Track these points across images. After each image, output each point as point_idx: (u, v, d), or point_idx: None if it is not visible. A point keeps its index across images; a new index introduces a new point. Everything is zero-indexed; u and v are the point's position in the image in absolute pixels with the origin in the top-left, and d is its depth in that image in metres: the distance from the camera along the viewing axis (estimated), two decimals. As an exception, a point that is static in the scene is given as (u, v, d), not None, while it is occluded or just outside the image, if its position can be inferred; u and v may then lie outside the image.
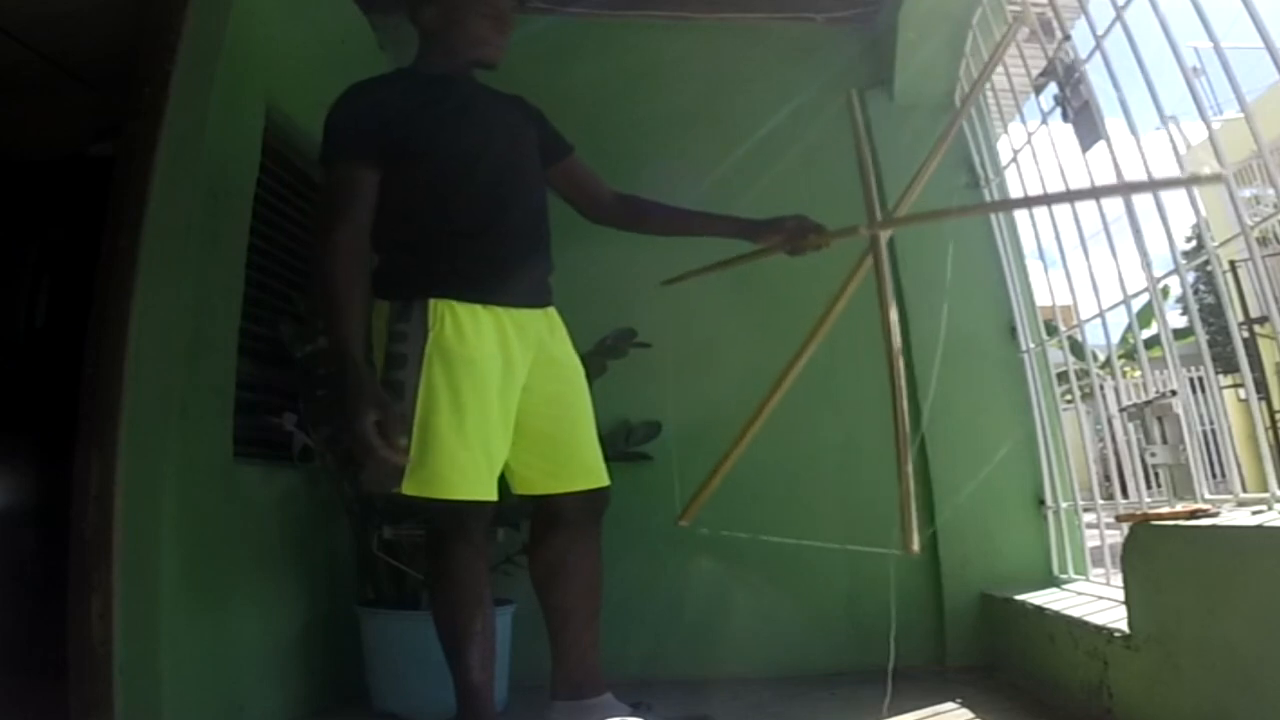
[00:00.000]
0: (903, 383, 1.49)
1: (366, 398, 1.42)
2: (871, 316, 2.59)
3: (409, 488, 1.49)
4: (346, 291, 1.50)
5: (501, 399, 1.57)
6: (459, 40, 1.70)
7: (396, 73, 1.75)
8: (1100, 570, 2.17)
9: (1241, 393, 7.07)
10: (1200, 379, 4.99)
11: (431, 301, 1.54)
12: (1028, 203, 2.51)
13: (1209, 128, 1.68)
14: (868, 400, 2.52)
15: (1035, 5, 2.27)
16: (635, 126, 2.68)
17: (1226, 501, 1.64)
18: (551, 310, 1.73)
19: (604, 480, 1.71)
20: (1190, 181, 1.49)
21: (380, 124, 1.58)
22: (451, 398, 1.51)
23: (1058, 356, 2.51)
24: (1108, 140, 2.00)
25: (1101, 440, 5.47)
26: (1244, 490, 1.65)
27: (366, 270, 1.57)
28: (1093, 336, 4.21)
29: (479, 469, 1.53)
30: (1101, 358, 4.94)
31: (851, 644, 2.35)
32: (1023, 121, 2.55)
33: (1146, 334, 6.83)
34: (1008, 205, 2.59)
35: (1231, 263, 6.23)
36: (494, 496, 1.56)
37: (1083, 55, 2.04)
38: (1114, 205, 1.96)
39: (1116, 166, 1.89)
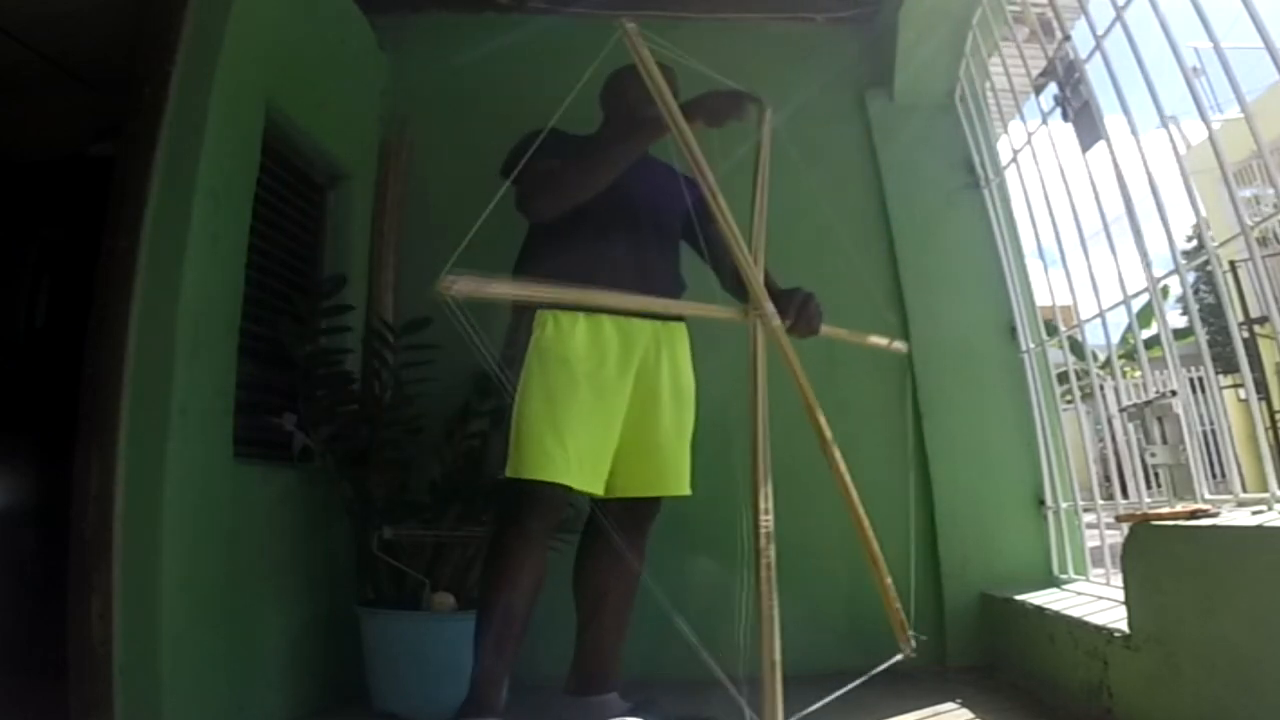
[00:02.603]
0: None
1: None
2: (871, 316, 2.58)
3: (508, 472, 1.64)
4: (597, 158, 1.76)
5: (601, 396, 1.70)
6: (625, 113, 1.94)
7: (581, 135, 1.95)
8: (1100, 570, 2.17)
9: (1241, 393, 7.07)
10: (1200, 379, 4.99)
11: (538, 310, 1.71)
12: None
13: (1209, 128, 1.68)
14: (868, 400, 2.53)
15: (1035, 5, 2.27)
16: (635, 126, 2.68)
17: (1226, 501, 1.64)
18: (670, 325, 1.83)
19: (651, 492, 1.80)
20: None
21: (561, 149, 1.78)
22: (544, 390, 1.66)
23: (1058, 356, 2.51)
24: (1108, 140, 2.00)
25: (1101, 440, 5.47)
26: (1244, 490, 1.65)
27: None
28: (1093, 336, 4.21)
29: (567, 457, 1.63)
30: (1101, 358, 4.95)
31: (851, 644, 2.35)
32: (1023, 121, 2.56)
33: (1146, 334, 6.83)
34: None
35: (1231, 263, 6.23)
36: (580, 485, 1.66)
37: (1083, 55, 2.04)
38: (1114, 205, 1.96)
39: (1116, 166, 1.89)
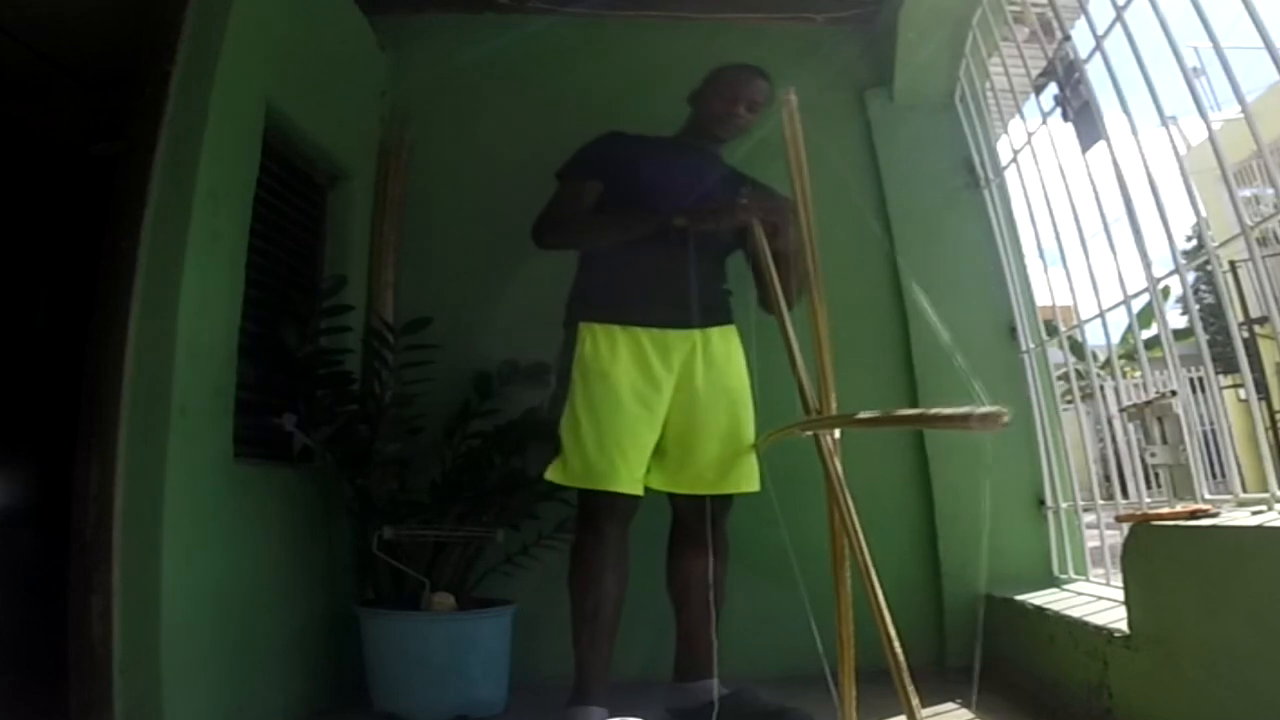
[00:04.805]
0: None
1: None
2: (871, 316, 2.59)
3: (551, 475, 1.80)
4: (601, 223, 1.94)
5: (641, 407, 1.82)
6: (702, 113, 2.10)
7: (652, 136, 2.10)
8: (1100, 570, 2.16)
9: (1241, 393, 7.07)
10: (1200, 379, 4.99)
11: (580, 325, 1.88)
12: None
13: (1209, 128, 1.68)
14: (867, 398, 2.52)
15: (1035, 5, 2.27)
16: (635, 126, 2.67)
17: (1226, 501, 1.64)
18: (710, 331, 1.93)
19: (715, 489, 1.86)
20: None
21: (608, 158, 1.99)
22: (587, 406, 1.81)
23: (1058, 356, 2.50)
24: (1108, 140, 2.00)
25: (1101, 440, 5.46)
26: (1244, 490, 1.65)
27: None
28: (1093, 336, 4.21)
29: (613, 466, 1.77)
30: (1101, 358, 4.95)
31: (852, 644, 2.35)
32: (1023, 121, 2.55)
33: (1146, 334, 6.83)
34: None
35: (1231, 263, 6.23)
36: (626, 489, 1.79)
37: (1083, 55, 2.04)
38: (1114, 205, 1.96)
39: (1116, 166, 1.89)
